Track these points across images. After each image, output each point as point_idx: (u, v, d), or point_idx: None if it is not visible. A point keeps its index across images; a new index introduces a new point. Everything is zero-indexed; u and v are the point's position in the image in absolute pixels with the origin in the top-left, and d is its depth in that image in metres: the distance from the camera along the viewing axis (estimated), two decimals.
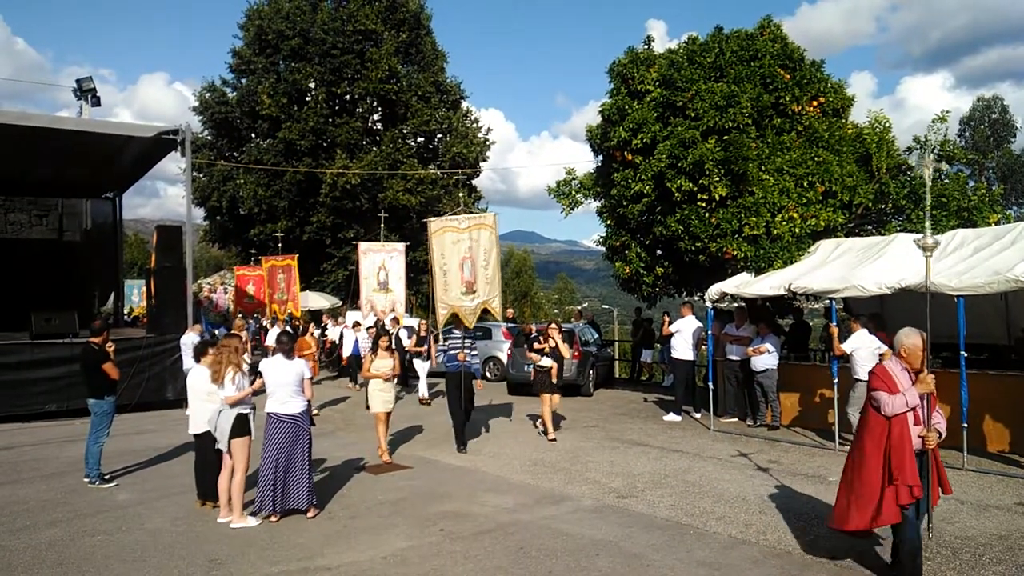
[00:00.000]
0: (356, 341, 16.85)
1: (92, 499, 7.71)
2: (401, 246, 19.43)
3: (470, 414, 10.63)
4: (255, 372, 7.33)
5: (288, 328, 16.60)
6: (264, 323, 21.10)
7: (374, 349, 9.88)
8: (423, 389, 15.15)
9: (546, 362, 11.00)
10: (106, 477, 8.31)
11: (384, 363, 9.55)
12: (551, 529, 6.61)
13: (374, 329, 14.80)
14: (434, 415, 13.13)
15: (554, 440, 10.71)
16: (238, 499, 6.77)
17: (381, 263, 18.48)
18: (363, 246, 19.18)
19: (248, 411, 6.90)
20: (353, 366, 17.10)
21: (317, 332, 17.47)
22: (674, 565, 5.70)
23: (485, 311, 10.95)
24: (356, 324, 17.22)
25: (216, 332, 17.18)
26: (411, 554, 5.99)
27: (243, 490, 6.83)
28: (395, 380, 9.92)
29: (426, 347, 15.09)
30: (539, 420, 11.51)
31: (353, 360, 16.98)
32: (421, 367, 15.29)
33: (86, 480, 8.23)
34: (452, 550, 6.08)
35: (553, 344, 11.08)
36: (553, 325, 11.46)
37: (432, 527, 6.70)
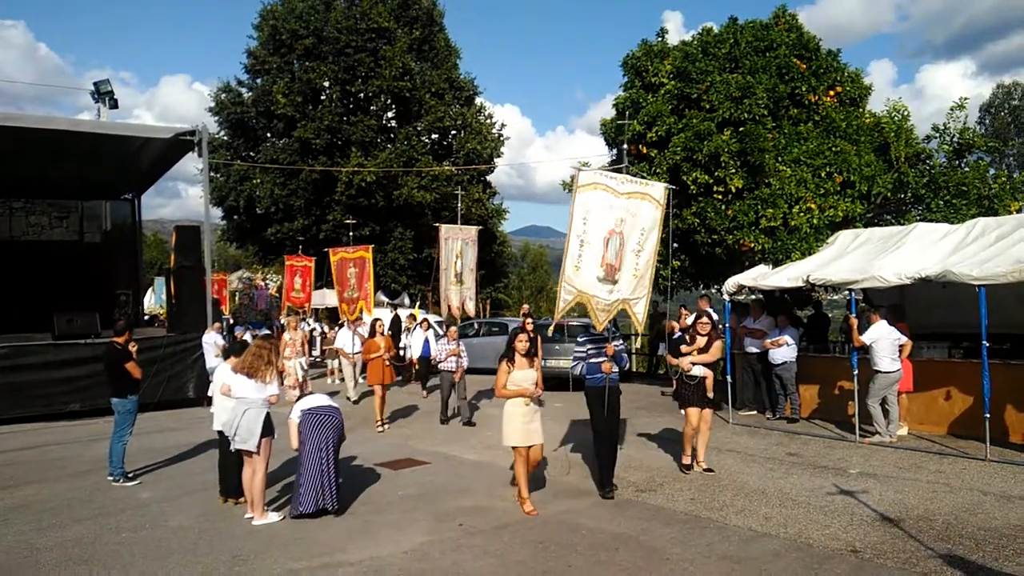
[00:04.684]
0: (426, 341, 15.40)
1: (116, 497, 7.81)
2: (474, 231, 16.34)
3: (617, 439, 7.96)
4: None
5: (359, 330, 16.14)
6: (312, 323, 19.74)
7: (509, 355, 7.03)
8: None
9: (698, 371, 8.33)
10: (129, 475, 8.41)
11: (525, 375, 6.98)
12: (570, 523, 6.62)
13: (425, 321, 14.15)
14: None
15: (711, 471, 8.44)
16: (260, 497, 6.84)
17: (459, 250, 15.63)
18: (444, 230, 15.86)
19: (268, 410, 6.99)
20: (423, 369, 15.71)
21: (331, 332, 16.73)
22: (694, 559, 5.69)
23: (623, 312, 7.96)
24: (424, 321, 15.84)
25: (259, 333, 16.91)
26: (431, 549, 6.02)
27: (264, 488, 6.90)
28: (540, 399, 7.34)
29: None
30: (692, 456, 8.59)
31: (423, 363, 15.52)
32: None
33: (110, 478, 8.34)
34: (472, 544, 6.11)
35: (703, 343, 8.41)
36: (704, 318, 8.64)
37: (451, 522, 6.73)
